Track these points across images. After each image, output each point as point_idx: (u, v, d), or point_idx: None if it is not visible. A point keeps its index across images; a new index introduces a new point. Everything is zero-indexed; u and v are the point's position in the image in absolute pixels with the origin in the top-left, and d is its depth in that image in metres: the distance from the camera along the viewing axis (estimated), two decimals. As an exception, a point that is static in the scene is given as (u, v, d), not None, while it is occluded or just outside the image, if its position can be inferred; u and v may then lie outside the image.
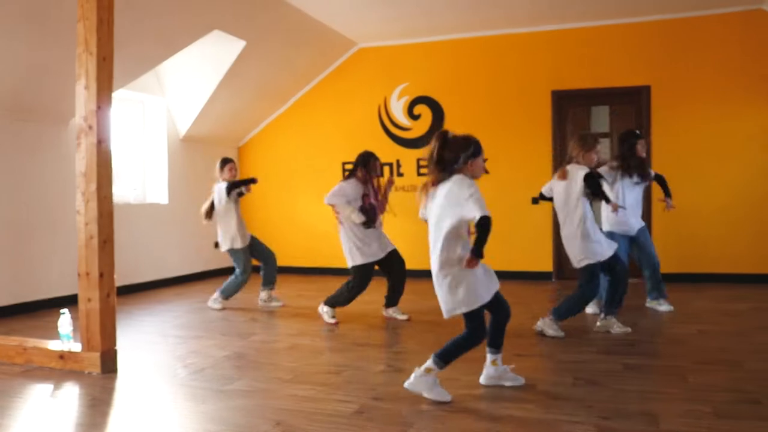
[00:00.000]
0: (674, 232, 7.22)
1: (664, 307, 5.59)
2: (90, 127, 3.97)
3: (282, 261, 8.65)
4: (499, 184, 7.71)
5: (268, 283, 6.22)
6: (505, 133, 7.69)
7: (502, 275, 7.23)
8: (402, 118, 8.20)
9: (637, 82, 7.33)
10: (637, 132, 5.58)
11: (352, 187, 5.31)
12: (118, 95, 6.97)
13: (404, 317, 5.46)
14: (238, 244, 6.02)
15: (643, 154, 5.48)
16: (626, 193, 5.43)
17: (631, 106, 7.40)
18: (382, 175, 5.62)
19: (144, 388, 3.70)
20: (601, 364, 3.95)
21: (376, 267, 5.44)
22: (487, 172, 3.52)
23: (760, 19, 6.90)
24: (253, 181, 6.01)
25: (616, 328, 4.79)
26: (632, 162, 5.40)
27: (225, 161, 6.15)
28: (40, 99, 5.88)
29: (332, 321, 5.35)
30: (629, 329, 4.79)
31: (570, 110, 7.62)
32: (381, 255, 5.37)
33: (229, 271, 6.61)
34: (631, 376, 3.70)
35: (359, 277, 5.34)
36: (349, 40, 8.10)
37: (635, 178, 5.43)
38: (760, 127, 6.96)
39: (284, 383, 3.67)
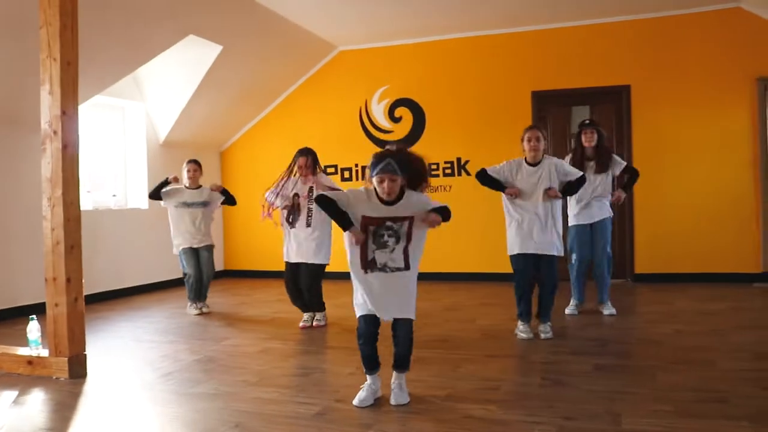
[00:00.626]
0: (654, 232, 7.21)
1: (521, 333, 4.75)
2: (55, 132, 3.95)
3: (265, 266, 8.68)
4: (480, 186, 7.67)
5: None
6: (485, 135, 7.66)
7: (485, 277, 7.41)
8: (383, 121, 8.19)
9: (616, 82, 7.33)
10: (586, 122, 5.45)
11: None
12: (98, 101, 6.94)
13: (301, 323, 5.30)
14: (174, 250, 6.12)
15: (589, 144, 5.35)
16: (590, 185, 5.30)
17: (612, 106, 7.40)
18: (298, 172, 5.57)
19: (110, 392, 3.67)
20: (571, 365, 3.92)
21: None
22: (382, 194, 3.15)
23: (737, 16, 6.91)
24: (165, 182, 6.03)
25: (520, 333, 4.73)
26: (577, 154, 5.37)
27: (187, 162, 6.19)
28: (12, 105, 5.84)
29: (302, 324, 5.29)
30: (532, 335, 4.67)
31: (550, 111, 7.61)
32: (289, 259, 5.32)
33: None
34: (600, 376, 3.67)
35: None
36: (328, 44, 8.09)
37: (593, 168, 5.34)
38: (740, 125, 6.95)
39: (249, 386, 3.64)
